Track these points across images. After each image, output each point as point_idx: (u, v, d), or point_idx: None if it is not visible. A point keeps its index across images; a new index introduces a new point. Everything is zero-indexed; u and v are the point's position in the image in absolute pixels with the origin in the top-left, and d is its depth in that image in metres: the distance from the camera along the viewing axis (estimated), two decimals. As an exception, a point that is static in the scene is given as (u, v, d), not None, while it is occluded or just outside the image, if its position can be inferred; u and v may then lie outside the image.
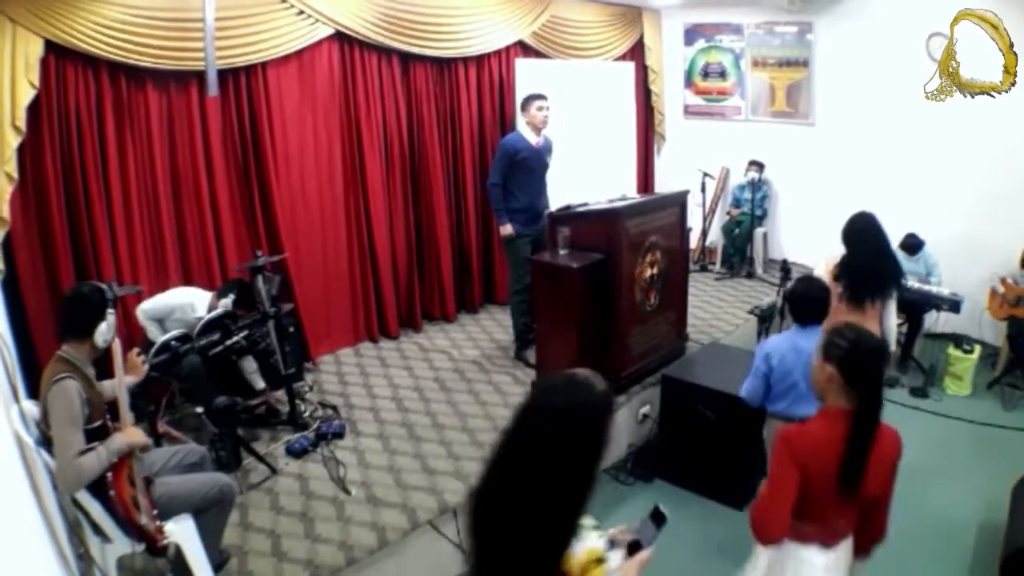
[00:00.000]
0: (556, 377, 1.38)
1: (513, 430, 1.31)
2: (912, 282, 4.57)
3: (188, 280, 3.89)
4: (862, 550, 1.99)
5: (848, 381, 1.76)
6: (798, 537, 1.86)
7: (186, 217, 3.94)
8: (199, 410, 3.24)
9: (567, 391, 1.32)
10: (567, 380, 1.34)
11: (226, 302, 3.45)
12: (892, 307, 3.17)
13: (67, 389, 2.12)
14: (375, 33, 4.44)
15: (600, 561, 1.34)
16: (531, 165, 4.29)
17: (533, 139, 4.32)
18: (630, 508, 3.47)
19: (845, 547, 1.95)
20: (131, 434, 2.23)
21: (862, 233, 3.10)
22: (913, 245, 4.77)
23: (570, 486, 1.27)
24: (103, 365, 2.42)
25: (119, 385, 2.30)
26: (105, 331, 2.27)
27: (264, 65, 4.03)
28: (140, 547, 2.23)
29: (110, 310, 2.29)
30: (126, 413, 2.29)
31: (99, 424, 2.24)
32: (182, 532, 2.32)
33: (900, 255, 4.52)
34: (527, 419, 1.31)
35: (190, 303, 3.52)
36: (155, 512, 2.24)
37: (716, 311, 5.25)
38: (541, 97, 4.29)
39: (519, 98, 5.19)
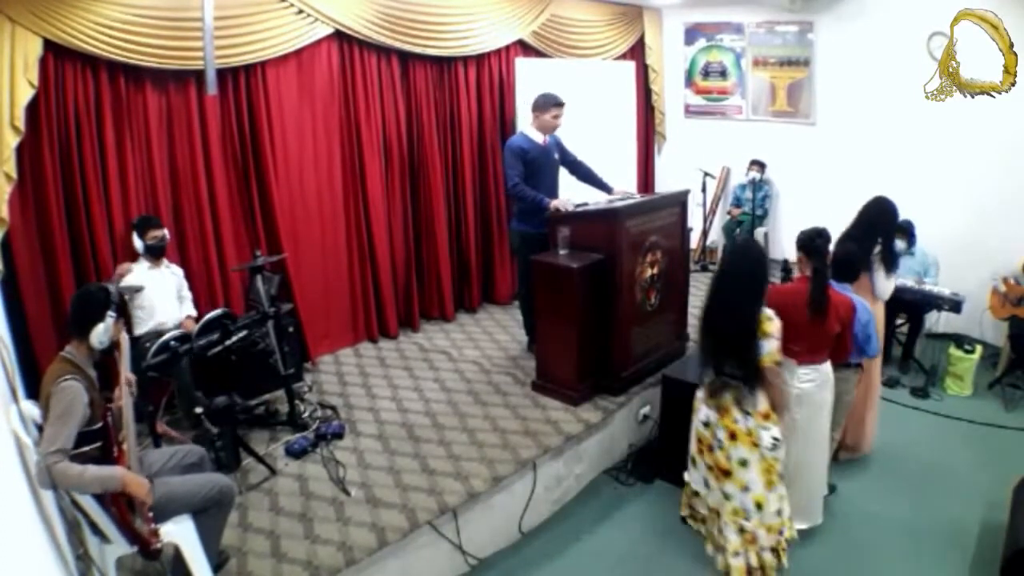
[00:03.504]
0: (740, 244, 3.48)
1: (725, 268, 2.81)
2: (910, 281, 4.57)
3: (190, 281, 3.89)
4: (836, 361, 3.03)
5: (810, 254, 2.96)
6: (792, 356, 2.91)
7: (185, 217, 3.93)
8: (199, 410, 3.22)
9: (754, 244, 3.09)
10: (751, 241, 3.54)
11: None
12: (878, 275, 3.53)
13: (71, 389, 2.11)
14: (375, 32, 4.44)
15: (770, 319, 2.64)
16: (540, 164, 4.20)
17: (539, 138, 4.23)
18: (631, 509, 3.46)
19: (820, 369, 2.97)
20: (137, 484, 2.16)
21: (862, 213, 3.58)
22: (906, 229, 4.71)
23: (758, 287, 2.66)
24: (104, 368, 2.42)
25: (126, 411, 2.31)
26: (101, 332, 2.26)
27: (263, 64, 4.03)
28: (133, 548, 2.22)
29: (110, 313, 2.28)
30: (132, 440, 2.29)
31: (100, 426, 2.22)
32: (181, 533, 2.32)
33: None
34: (732, 262, 2.80)
35: None
36: (150, 515, 2.23)
37: (716, 311, 5.23)
38: (561, 105, 4.17)
39: (519, 97, 5.20)
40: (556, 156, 4.35)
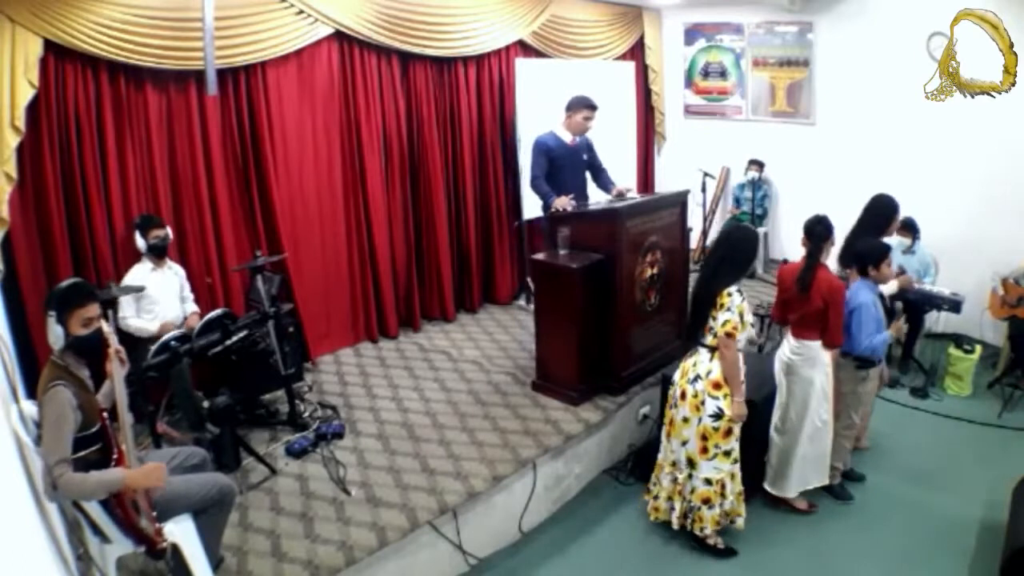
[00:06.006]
0: (733, 226, 3.55)
1: (717, 247, 3.07)
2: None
3: (190, 281, 3.89)
4: (827, 344, 3.16)
5: (809, 238, 3.20)
6: (789, 325, 3.30)
7: (185, 217, 3.93)
8: (206, 404, 3.21)
9: (741, 229, 3.17)
10: (739, 226, 3.30)
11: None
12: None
13: (56, 396, 2.08)
14: (375, 32, 4.44)
15: (730, 294, 2.85)
16: (565, 163, 4.30)
17: (568, 137, 4.33)
18: (631, 509, 3.47)
19: (808, 346, 3.17)
20: (143, 476, 2.14)
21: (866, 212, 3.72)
22: (909, 226, 4.70)
23: (730, 266, 2.92)
24: (100, 368, 2.40)
25: (117, 385, 2.29)
26: (52, 333, 2.18)
27: (263, 65, 4.03)
28: (140, 549, 2.22)
29: (51, 311, 2.18)
30: (125, 414, 2.28)
31: (97, 428, 2.20)
32: (181, 532, 2.32)
33: (896, 242, 4.51)
34: (725, 242, 3.04)
35: None
36: (154, 514, 2.23)
37: (716, 311, 5.23)
38: (593, 107, 4.27)
39: (520, 97, 5.20)
40: (584, 157, 4.44)
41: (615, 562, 3.13)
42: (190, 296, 3.82)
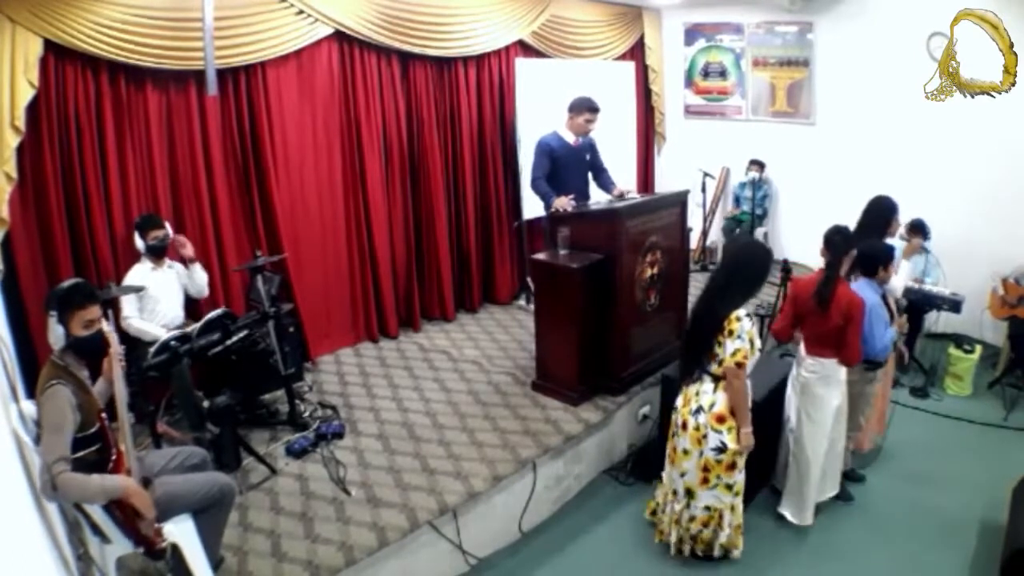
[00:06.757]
0: (745, 241, 3.87)
1: (725, 263, 2.88)
2: (910, 281, 4.56)
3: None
4: (843, 362, 3.05)
5: (828, 249, 3.05)
6: (802, 342, 3.18)
7: (185, 217, 3.94)
8: (205, 404, 3.21)
9: (753, 245, 3.10)
10: (752, 242, 3.52)
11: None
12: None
13: (55, 395, 2.08)
14: (375, 32, 4.44)
15: (738, 319, 2.67)
16: (567, 163, 4.34)
17: (571, 138, 4.36)
18: (630, 509, 3.47)
19: (824, 363, 3.06)
20: (141, 496, 2.15)
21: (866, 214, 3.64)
22: (920, 227, 4.66)
23: (750, 287, 2.76)
24: (98, 367, 2.40)
25: (116, 384, 2.29)
26: (50, 334, 2.18)
27: (263, 65, 4.03)
28: (140, 549, 2.22)
29: (52, 311, 2.18)
30: (124, 415, 2.28)
31: (96, 429, 2.19)
32: (181, 532, 2.32)
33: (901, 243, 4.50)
34: (734, 257, 2.84)
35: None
36: (154, 514, 2.23)
37: (716, 311, 5.22)
38: (595, 110, 4.30)
39: (520, 97, 5.20)
40: (587, 157, 4.46)
41: (615, 562, 3.13)
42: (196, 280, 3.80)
